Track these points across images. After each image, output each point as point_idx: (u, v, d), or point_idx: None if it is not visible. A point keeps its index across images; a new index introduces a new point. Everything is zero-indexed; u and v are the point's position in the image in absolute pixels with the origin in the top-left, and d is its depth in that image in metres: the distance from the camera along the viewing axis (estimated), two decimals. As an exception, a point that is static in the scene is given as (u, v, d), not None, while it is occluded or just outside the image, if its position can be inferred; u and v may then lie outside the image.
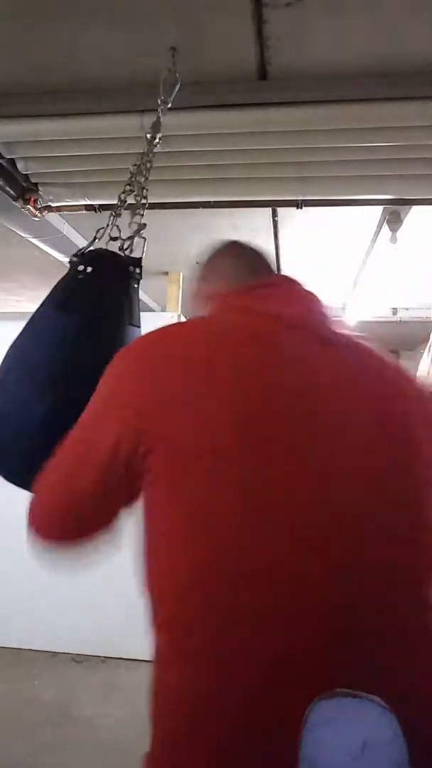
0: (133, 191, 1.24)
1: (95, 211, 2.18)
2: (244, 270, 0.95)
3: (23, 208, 2.06)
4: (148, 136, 1.28)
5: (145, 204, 1.23)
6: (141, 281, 1.17)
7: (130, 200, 1.25)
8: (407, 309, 4.16)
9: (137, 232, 1.20)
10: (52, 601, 3.18)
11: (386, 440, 0.76)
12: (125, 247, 1.19)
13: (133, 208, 1.22)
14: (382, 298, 3.94)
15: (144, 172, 1.25)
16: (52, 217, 2.32)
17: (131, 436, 0.70)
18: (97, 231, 1.20)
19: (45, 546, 0.83)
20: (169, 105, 1.32)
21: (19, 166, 1.89)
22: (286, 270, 3.35)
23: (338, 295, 3.91)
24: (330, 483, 0.70)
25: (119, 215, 1.22)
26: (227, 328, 0.79)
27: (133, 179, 1.25)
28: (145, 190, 1.24)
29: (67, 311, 1.09)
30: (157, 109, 1.31)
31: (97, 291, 1.11)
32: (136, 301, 1.15)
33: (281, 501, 0.67)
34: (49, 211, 2.15)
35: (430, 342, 3.16)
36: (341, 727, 0.54)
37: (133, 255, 1.19)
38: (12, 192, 1.96)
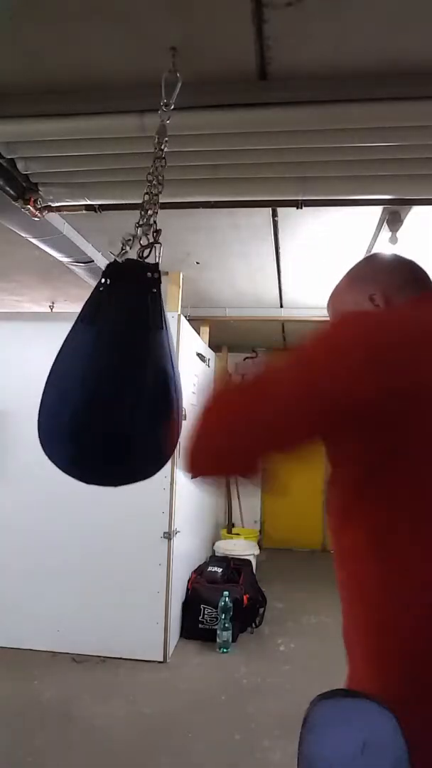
0: (151, 201, 1.27)
1: (95, 211, 2.18)
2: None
3: (23, 208, 2.06)
4: (156, 141, 1.30)
5: (156, 210, 1.27)
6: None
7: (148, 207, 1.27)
8: (407, 309, 4.16)
9: (156, 239, 1.24)
10: (52, 601, 3.18)
11: None
12: (144, 255, 1.25)
13: (146, 209, 1.25)
14: (382, 298, 3.94)
15: (157, 178, 1.28)
16: (52, 217, 2.32)
17: None
18: (125, 242, 1.24)
19: None
20: (172, 107, 1.32)
21: (19, 166, 1.89)
22: (287, 270, 3.35)
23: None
24: None
25: (147, 224, 1.26)
26: None
27: (150, 186, 1.28)
28: (156, 197, 1.27)
29: (91, 323, 1.18)
30: (158, 111, 1.31)
31: (119, 301, 1.19)
32: (159, 305, 1.21)
33: None
34: (49, 211, 2.15)
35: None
36: (341, 727, 0.54)
37: (149, 260, 1.24)
38: (12, 192, 1.97)
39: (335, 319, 1.01)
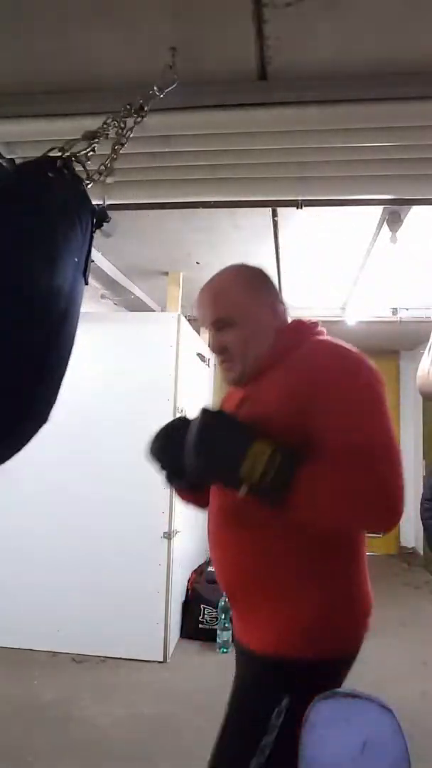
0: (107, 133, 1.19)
1: (95, 211, 2.18)
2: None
3: (23, 208, 2.05)
4: (131, 106, 1.24)
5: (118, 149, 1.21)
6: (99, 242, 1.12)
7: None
8: (407, 309, 4.16)
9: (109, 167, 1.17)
10: (52, 602, 3.18)
11: None
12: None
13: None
14: (382, 298, 3.95)
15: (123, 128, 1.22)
16: (52, 217, 2.32)
17: None
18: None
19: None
20: (162, 95, 1.30)
21: (19, 166, 1.89)
22: (287, 270, 3.35)
23: (338, 295, 3.90)
24: None
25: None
26: None
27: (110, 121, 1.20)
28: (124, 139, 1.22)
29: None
30: (151, 99, 1.29)
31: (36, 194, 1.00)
32: (89, 257, 1.11)
33: None
34: (49, 211, 2.15)
35: (430, 342, 3.16)
36: (341, 727, 0.54)
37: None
38: (12, 192, 1.96)
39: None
